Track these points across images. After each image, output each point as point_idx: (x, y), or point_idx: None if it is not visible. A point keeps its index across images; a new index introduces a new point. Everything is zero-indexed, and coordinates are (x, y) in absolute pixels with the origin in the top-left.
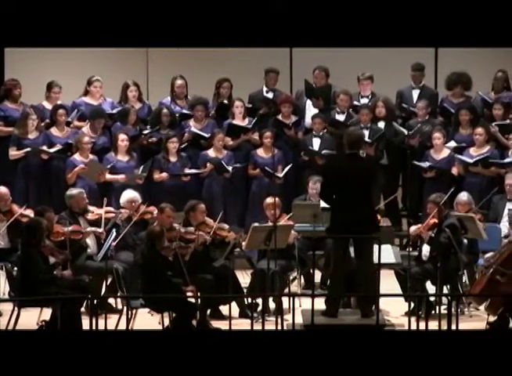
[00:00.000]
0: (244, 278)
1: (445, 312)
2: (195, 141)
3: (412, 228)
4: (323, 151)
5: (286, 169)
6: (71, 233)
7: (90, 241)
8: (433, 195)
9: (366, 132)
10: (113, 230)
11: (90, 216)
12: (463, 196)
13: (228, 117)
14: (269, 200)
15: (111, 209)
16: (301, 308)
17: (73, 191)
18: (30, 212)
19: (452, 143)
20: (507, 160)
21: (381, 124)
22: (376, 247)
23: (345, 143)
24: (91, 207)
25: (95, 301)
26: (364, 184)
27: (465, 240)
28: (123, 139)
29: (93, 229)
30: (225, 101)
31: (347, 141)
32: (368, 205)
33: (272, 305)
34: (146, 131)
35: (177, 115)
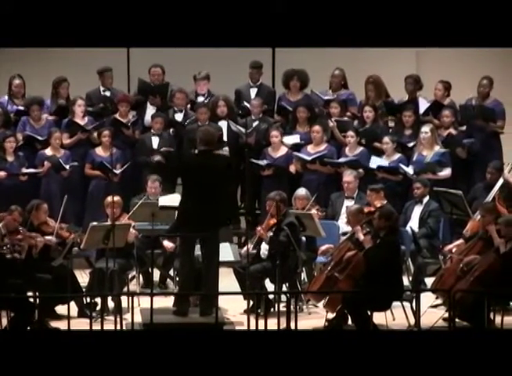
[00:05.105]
0: (83, 277)
1: (284, 309)
2: (30, 141)
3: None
4: (162, 149)
5: (125, 166)
6: None
7: None
8: (272, 193)
9: None
10: None
11: None
12: (301, 191)
13: (68, 116)
14: (110, 198)
15: None
16: (140, 307)
17: None
18: None
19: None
20: (341, 159)
21: (221, 123)
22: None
23: (198, 141)
24: None
25: None
26: (216, 182)
27: (303, 238)
28: None
29: None
30: (63, 101)
31: (200, 138)
32: (219, 203)
33: (110, 304)
34: None
35: (12, 114)
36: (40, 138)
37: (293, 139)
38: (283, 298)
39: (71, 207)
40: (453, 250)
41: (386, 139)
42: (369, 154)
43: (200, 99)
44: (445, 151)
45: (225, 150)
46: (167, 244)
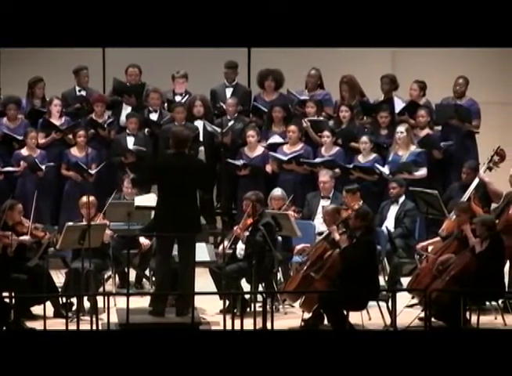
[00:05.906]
0: (58, 278)
1: (261, 309)
2: (7, 140)
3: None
4: (132, 147)
5: (100, 166)
6: None
7: None
8: (248, 193)
9: None
10: None
11: None
12: (277, 191)
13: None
14: (84, 199)
15: None
16: (116, 307)
17: None
18: None
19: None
20: (318, 159)
21: (197, 123)
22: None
23: (171, 143)
24: None
25: None
26: (190, 183)
27: (279, 238)
28: None
29: None
30: (38, 101)
31: (173, 140)
32: (193, 204)
33: (86, 304)
34: None
35: None
36: (18, 137)
37: (279, 140)
38: (259, 298)
39: (47, 208)
40: (429, 248)
41: (364, 138)
42: (345, 154)
43: (178, 98)
44: (421, 151)
45: (201, 150)
46: (144, 240)
